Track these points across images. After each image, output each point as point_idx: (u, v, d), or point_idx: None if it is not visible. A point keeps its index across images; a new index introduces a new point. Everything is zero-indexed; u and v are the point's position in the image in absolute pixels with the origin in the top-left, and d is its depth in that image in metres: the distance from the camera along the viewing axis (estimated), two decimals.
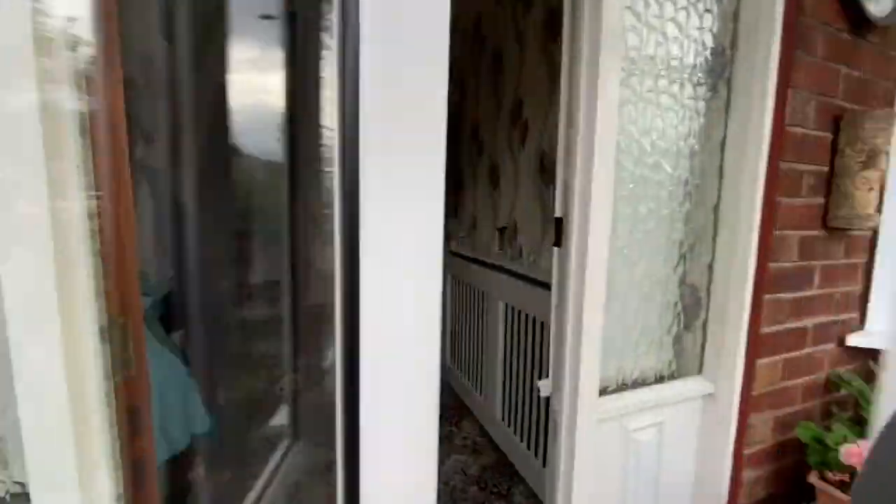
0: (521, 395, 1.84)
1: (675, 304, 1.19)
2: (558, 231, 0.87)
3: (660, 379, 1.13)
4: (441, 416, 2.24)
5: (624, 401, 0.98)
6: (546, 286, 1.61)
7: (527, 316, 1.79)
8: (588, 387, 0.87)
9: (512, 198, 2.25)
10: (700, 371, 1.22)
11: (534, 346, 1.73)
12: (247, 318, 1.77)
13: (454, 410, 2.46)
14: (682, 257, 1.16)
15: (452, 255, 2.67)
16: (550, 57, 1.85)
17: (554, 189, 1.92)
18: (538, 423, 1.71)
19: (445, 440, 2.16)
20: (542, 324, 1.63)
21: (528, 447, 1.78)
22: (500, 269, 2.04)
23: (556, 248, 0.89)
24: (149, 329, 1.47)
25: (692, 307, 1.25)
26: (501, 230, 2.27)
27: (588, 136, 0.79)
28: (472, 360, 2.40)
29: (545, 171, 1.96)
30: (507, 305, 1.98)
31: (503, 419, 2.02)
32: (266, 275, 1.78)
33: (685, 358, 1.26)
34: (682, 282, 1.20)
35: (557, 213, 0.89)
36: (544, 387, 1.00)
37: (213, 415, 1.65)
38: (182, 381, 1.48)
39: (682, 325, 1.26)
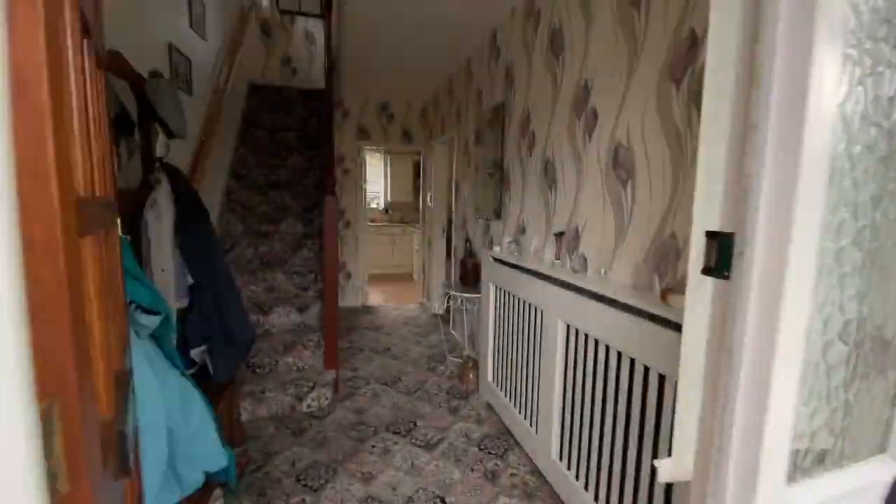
0: (586, 434, 1.54)
1: None
2: (720, 252, 0.57)
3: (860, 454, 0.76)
4: (481, 446, 1.92)
5: (828, 488, 0.67)
6: (628, 309, 1.31)
7: (597, 343, 1.48)
8: (770, 474, 0.57)
9: (572, 199, 1.95)
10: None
11: (606, 380, 1.43)
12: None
13: (498, 439, 2.18)
14: None
15: (496, 262, 2.39)
16: (630, 27, 1.54)
17: (633, 188, 1.64)
18: (611, 472, 1.40)
19: (490, 476, 1.89)
20: (631, 360, 1.32)
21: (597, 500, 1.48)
22: (561, 283, 1.73)
23: (709, 278, 0.59)
24: (157, 351, 1.28)
25: None
26: (559, 235, 1.97)
27: (793, 104, 0.49)
28: (520, 383, 2.11)
29: (620, 167, 1.65)
30: (568, 327, 1.68)
31: (561, 459, 1.72)
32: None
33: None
34: None
35: (714, 227, 0.59)
36: (665, 471, 0.71)
37: (230, 448, 1.46)
38: (196, 412, 1.27)
39: None
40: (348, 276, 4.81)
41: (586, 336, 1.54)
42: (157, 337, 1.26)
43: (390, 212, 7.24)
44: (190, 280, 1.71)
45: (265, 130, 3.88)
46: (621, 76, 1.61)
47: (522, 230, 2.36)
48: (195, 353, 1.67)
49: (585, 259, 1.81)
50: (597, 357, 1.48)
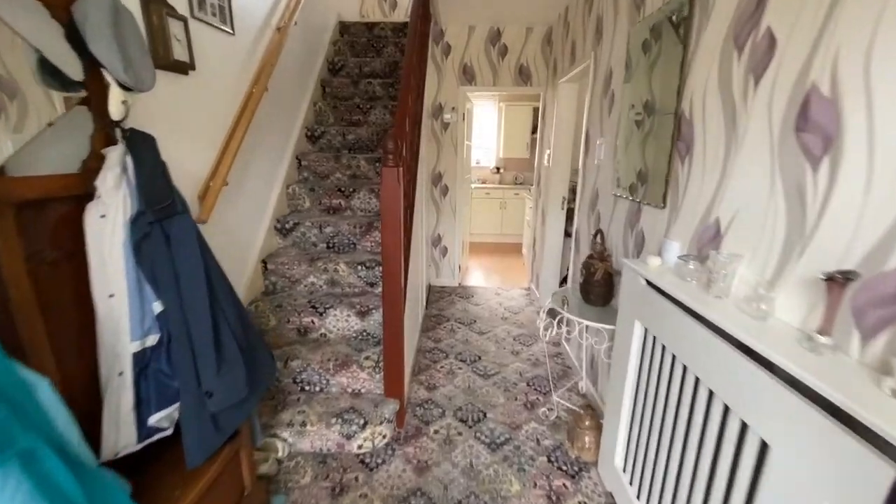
0: None
1: None
2: None
3: None
4: None
5: None
6: None
7: None
8: None
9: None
10: None
11: None
12: None
13: None
14: None
15: (651, 289, 1.35)
16: None
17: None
18: None
19: None
20: None
21: None
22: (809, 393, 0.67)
23: None
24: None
25: None
26: (838, 280, 0.85)
27: None
28: (672, 492, 1.14)
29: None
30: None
31: None
32: None
33: None
34: None
35: None
36: None
37: None
38: None
39: None
40: (444, 251, 4.14)
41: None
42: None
43: (501, 171, 6.25)
44: (158, 307, 1.15)
45: (347, 78, 3.25)
46: None
47: (714, 237, 1.25)
48: (159, 419, 1.15)
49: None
50: None
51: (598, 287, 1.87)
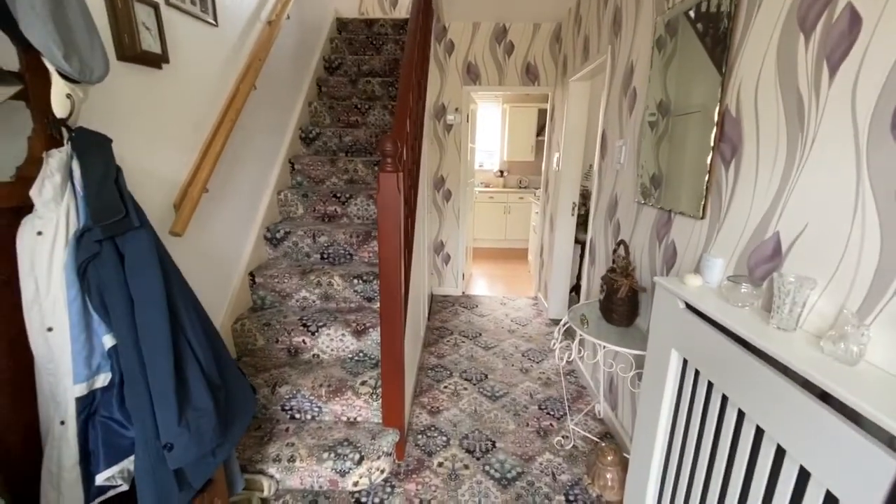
0: None
1: None
2: None
3: None
4: None
5: None
6: None
7: None
8: None
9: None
10: None
11: None
12: None
13: None
14: None
15: (691, 314, 1.15)
16: None
17: None
18: None
19: None
20: None
21: None
22: None
23: None
24: None
25: None
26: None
27: None
28: None
29: None
30: None
31: None
32: None
33: None
34: None
35: None
36: None
37: None
38: None
39: None
40: (447, 258, 3.94)
41: None
42: None
43: (506, 174, 6.07)
44: (109, 341, 0.96)
45: (344, 77, 3.07)
46: None
47: (773, 257, 1.05)
48: (109, 476, 0.95)
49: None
50: None
51: (622, 306, 1.67)
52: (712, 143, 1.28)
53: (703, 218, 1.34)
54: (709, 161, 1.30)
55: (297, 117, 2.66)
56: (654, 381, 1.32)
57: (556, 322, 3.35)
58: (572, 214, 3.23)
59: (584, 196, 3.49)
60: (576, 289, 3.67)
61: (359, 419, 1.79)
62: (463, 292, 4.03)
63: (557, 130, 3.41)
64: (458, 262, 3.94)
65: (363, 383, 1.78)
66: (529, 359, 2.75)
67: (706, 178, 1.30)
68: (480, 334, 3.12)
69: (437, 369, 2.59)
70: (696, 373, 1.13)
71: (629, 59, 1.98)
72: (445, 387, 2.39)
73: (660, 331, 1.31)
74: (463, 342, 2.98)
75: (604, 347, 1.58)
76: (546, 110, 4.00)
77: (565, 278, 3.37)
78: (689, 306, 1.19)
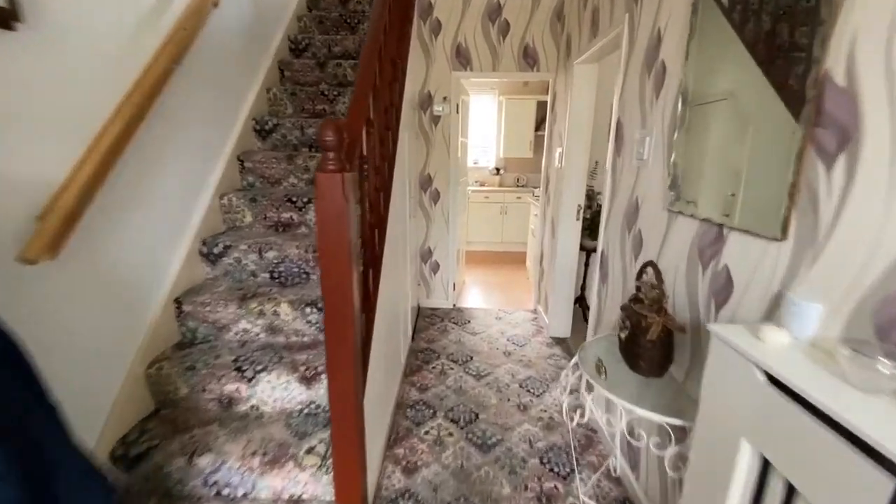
0: None
1: None
2: None
3: None
4: None
5: None
6: None
7: None
8: None
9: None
10: None
11: None
12: None
13: None
14: None
15: (776, 392, 0.73)
16: None
17: None
18: None
19: None
20: None
21: None
22: None
23: None
24: None
25: None
26: None
27: None
28: None
29: None
30: None
31: None
32: None
33: None
34: None
35: None
36: None
37: None
38: None
39: None
40: (436, 266, 3.52)
41: None
42: None
43: (502, 172, 5.64)
44: None
45: (312, 59, 2.63)
46: None
47: None
48: None
49: None
50: None
51: (651, 350, 1.25)
52: (802, 129, 0.85)
53: (783, 239, 0.91)
54: (795, 155, 0.87)
55: (250, 105, 2.23)
56: (710, 482, 0.90)
57: (557, 342, 2.94)
58: (577, 218, 2.80)
59: (590, 197, 3.07)
60: (580, 300, 3.25)
61: (304, 497, 1.36)
62: (454, 305, 3.61)
63: (560, 122, 2.98)
64: (448, 270, 3.51)
65: (310, 450, 1.35)
66: (528, 391, 2.33)
67: (790, 179, 0.88)
68: (472, 358, 2.70)
69: (419, 407, 2.17)
70: (790, 486, 0.71)
71: (654, 28, 1.56)
72: (427, 432, 1.97)
73: (720, 408, 0.89)
74: (451, 369, 2.56)
75: (629, 413, 1.15)
76: (545, 103, 3.57)
77: (569, 293, 2.94)
78: (772, 378, 0.77)
